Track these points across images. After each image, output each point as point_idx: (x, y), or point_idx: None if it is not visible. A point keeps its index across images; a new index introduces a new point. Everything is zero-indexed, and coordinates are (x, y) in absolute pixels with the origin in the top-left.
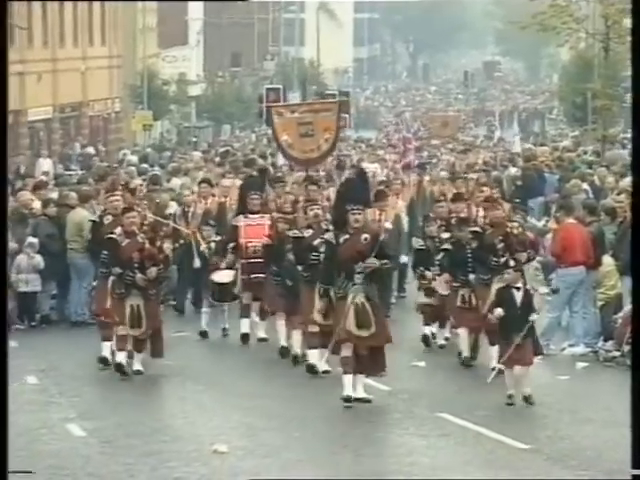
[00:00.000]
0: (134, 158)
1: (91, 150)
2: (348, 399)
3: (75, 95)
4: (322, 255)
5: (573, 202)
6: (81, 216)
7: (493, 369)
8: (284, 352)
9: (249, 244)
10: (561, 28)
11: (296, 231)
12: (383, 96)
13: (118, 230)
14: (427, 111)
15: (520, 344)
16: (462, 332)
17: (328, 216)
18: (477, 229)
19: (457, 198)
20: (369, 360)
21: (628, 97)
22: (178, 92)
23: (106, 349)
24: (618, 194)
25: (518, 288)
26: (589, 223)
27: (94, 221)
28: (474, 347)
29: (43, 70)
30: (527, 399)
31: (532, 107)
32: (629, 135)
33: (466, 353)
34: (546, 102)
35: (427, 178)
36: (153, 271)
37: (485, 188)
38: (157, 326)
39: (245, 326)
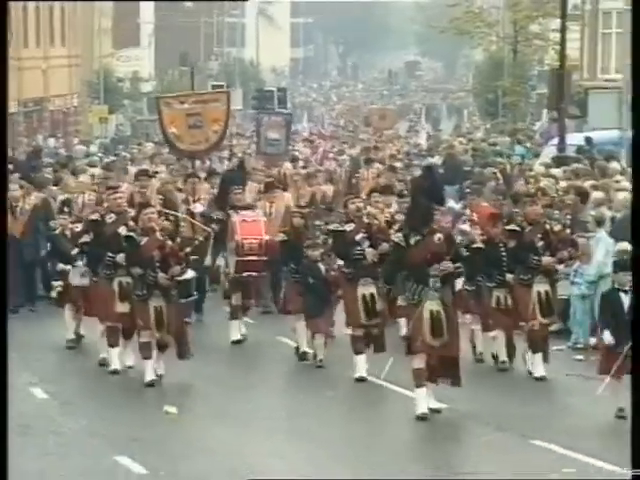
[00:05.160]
0: (94, 148)
1: (53, 141)
2: (424, 417)
3: (37, 91)
4: (365, 250)
5: (485, 187)
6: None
7: (540, 379)
8: (303, 357)
9: (245, 241)
10: (475, 32)
11: (337, 225)
12: (316, 92)
13: (122, 228)
14: (352, 108)
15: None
16: (500, 335)
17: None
18: (515, 227)
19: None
20: (442, 368)
21: (534, 94)
22: (131, 88)
23: (115, 358)
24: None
25: (626, 291)
26: (500, 207)
27: (95, 220)
28: (510, 351)
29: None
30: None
31: (449, 103)
32: (535, 127)
33: (503, 357)
34: (462, 98)
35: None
36: (177, 270)
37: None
38: (181, 328)
39: (235, 330)
